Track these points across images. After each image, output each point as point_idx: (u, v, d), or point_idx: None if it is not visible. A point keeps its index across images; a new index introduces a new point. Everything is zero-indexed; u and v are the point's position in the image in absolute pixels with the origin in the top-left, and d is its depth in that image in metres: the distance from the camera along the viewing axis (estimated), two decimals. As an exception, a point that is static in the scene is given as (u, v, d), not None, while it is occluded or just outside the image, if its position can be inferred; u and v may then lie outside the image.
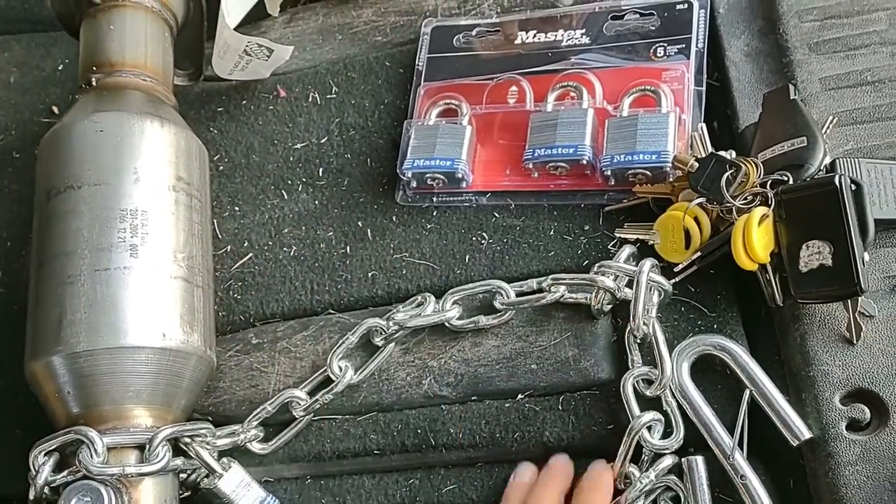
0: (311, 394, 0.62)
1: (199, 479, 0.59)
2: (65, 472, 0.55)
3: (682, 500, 0.52)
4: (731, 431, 0.52)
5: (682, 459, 0.53)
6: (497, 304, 0.61)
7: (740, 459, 0.51)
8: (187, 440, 0.58)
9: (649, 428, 0.54)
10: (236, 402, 0.64)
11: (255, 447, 0.62)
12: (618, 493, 0.54)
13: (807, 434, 0.50)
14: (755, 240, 0.53)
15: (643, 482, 0.53)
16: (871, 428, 0.50)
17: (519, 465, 0.59)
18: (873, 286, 0.53)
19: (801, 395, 0.52)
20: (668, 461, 0.53)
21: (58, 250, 0.58)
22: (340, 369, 0.62)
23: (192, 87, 0.80)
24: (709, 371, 0.56)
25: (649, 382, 0.55)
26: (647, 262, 0.56)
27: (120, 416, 0.56)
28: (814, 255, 0.52)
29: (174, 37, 0.74)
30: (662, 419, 0.54)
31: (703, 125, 0.61)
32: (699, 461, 0.52)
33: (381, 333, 0.62)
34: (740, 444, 0.51)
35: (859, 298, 0.51)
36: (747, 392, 0.52)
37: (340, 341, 0.63)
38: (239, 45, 0.74)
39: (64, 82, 0.88)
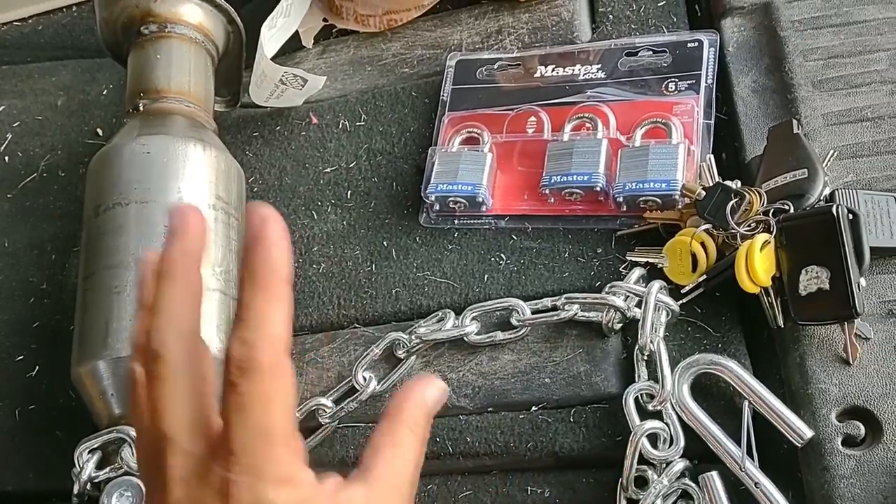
0: (337, 402, 0.66)
1: (230, 480, 0.63)
2: (107, 469, 0.59)
3: None
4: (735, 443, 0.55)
5: (699, 477, 0.55)
6: (513, 321, 0.64)
7: (751, 467, 0.54)
8: (221, 442, 0.61)
9: (654, 439, 0.57)
10: (265, 409, 0.68)
11: (283, 451, 0.66)
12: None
13: (808, 433, 0.53)
14: (757, 264, 0.56)
15: (657, 487, 0.55)
16: (866, 443, 0.53)
17: None
18: (869, 310, 0.56)
19: (799, 412, 0.55)
20: (679, 465, 0.55)
21: (106, 262, 0.63)
22: (364, 379, 0.66)
23: (229, 113, 0.85)
24: (712, 390, 0.59)
25: (651, 396, 0.58)
26: (656, 284, 0.59)
27: (159, 417, 0.60)
28: (812, 279, 0.55)
29: (215, 66, 0.79)
30: (666, 429, 0.56)
31: (712, 156, 0.65)
32: (715, 476, 0.55)
33: (403, 346, 0.66)
34: (749, 453, 0.54)
35: (855, 321, 0.54)
36: (746, 402, 0.55)
37: (365, 353, 0.66)
38: (275, 74, 0.78)
39: (107, 106, 0.93)
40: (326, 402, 0.66)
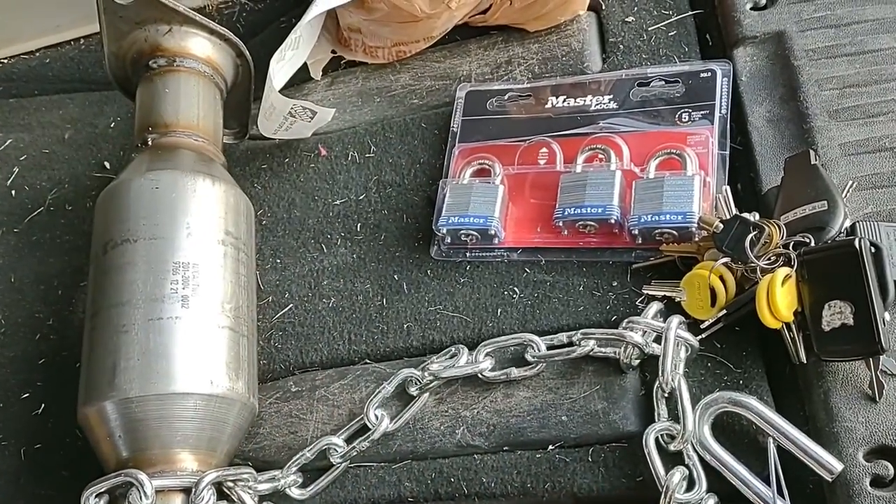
0: (348, 441, 0.64)
1: (240, 523, 0.61)
2: (114, 514, 0.57)
3: None
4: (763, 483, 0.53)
5: None
6: (528, 357, 0.63)
7: None
8: (230, 484, 0.60)
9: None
10: (276, 448, 0.67)
11: (294, 493, 0.64)
12: None
13: (838, 466, 0.51)
14: (779, 299, 0.55)
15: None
16: (895, 484, 0.51)
17: None
18: (895, 345, 0.54)
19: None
20: (711, 502, 0.54)
21: (114, 300, 0.62)
22: (377, 418, 0.64)
23: (237, 146, 0.85)
24: (734, 427, 0.57)
25: (672, 437, 0.57)
26: (675, 319, 0.58)
27: (168, 459, 0.59)
28: (836, 314, 0.54)
29: (223, 99, 0.78)
30: (688, 471, 0.55)
31: (728, 188, 0.64)
32: None
33: (415, 383, 0.65)
34: (779, 492, 0.52)
35: (881, 357, 0.53)
36: (771, 439, 0.53)
37: (377, 390, 0.65)
38: (284, 107, 0.78)
39: (115, 139, 0.93)
40: (338, 441, 0.64)
